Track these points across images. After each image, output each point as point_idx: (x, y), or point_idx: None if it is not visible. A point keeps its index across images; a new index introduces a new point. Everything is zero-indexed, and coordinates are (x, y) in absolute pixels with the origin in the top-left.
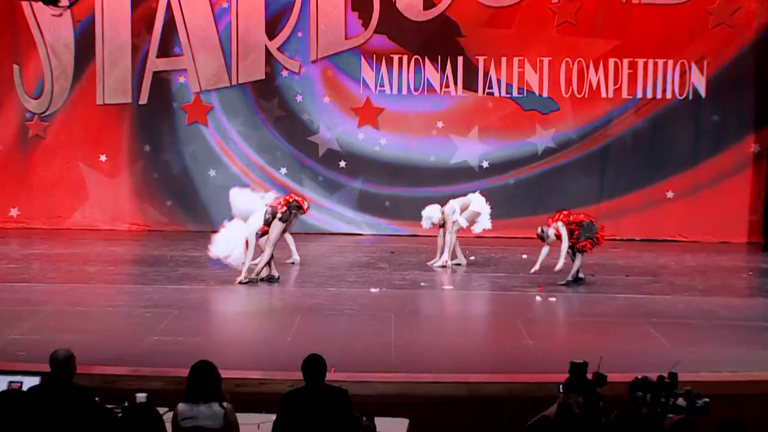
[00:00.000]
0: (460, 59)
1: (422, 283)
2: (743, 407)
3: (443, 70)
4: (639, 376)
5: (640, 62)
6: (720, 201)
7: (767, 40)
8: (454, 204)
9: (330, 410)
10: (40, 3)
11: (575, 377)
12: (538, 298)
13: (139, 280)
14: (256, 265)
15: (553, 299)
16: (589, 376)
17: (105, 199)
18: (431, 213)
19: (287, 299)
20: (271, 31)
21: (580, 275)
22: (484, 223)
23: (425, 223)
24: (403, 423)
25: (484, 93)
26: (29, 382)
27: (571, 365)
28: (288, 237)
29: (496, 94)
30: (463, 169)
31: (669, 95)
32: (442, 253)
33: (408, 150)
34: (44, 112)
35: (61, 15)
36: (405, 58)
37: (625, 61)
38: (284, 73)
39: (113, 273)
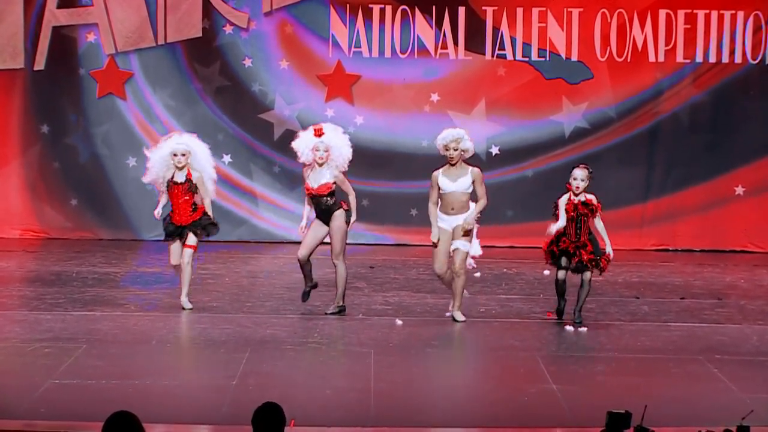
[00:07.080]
0: (461, 11)
1: None
2: None
3: (439, 25)
4: (701, 431)
5: (701, 14)
6: None
7: None
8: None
9: None
10: None
11: None
12: (569, 327)
13: (33, 304)
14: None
15: (585, 329)
16: (631, 430)
17: None
18: None
19: (232, 330)
20: None
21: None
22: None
23: None
24: None
25: (493, 56)
26: None
27: (608, 416)
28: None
29: (510, 57)
30: None
31: (738, 59)
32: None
33: (392, 132)
34: None
35: None
36: (388, 9)
37: (681, 14)
38: (228, 29)
39: None
